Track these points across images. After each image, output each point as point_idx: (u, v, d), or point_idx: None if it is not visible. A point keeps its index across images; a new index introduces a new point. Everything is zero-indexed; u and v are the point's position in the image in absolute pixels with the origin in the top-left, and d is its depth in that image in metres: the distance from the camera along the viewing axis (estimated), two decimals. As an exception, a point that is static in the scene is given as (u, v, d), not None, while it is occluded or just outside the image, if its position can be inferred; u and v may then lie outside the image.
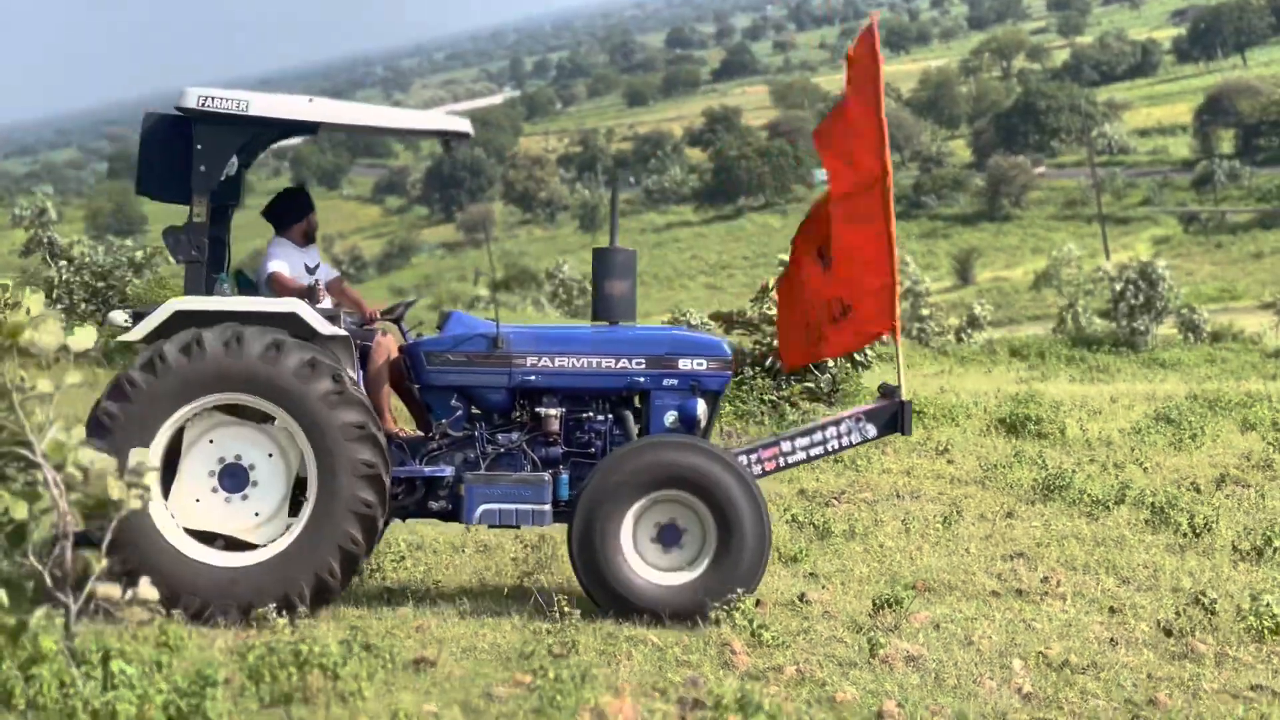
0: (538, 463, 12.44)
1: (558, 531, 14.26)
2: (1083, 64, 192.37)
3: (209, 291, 12.05)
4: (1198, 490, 18.43)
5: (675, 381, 12.56)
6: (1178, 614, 12.20)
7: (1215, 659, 11.30)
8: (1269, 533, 14.96)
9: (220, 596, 11.41)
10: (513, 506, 12.11)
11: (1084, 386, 32.53)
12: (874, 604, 12.31)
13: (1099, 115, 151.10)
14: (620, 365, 12.51)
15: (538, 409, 12.50)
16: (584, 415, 12.62)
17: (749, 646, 11.06)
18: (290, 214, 12.82)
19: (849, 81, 12.82)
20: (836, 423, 12.70)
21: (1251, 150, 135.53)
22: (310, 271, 12.74)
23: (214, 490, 11.66)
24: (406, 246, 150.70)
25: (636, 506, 11.95)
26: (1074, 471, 18.32)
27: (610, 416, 12.66)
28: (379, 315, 12.75)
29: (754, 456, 12.63)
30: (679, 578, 11.95)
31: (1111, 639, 11.75)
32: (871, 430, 12.69)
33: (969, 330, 49.02)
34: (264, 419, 11.76)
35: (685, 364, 12.58)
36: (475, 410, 12.61)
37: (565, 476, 12.41)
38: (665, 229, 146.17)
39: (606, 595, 11.83)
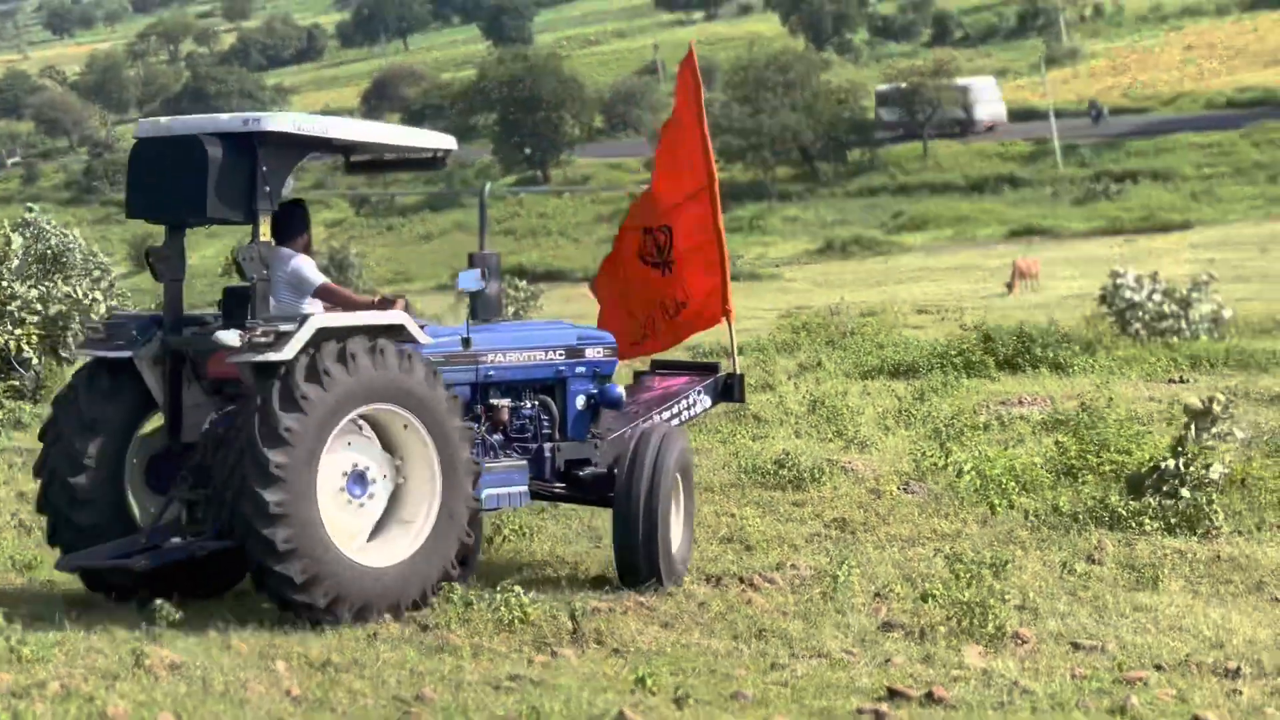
0: (495, 450, 13.44)
1: None
2: (250, 48, 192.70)
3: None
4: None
5: (584, 369, 14.04)
6: (432, 609, 12.40)
7: (472, 650, 11.55)
8: (506, 526, 15.46)
9: (376, 597, 12.02)
10: (508, 490, 13.23)
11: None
12: (139, 608, 12.01)
13: (268, 99, 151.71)
14: (549, 357, 13.87)
15: (490, 401, 13.55)
16: (520, 405, 13.75)
17: (7, 663, 10.54)
18: (294, 226, 12.94)
19: (677, 102, 14.98)
20: (685, 395, 14.50)
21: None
22: None
23: (340, 490, 12.16)
24: None
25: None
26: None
27: (536, 403, 13.82)
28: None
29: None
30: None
31: (371, 635, 11.82)
32: (707, 400, 14.67)
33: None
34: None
35: (591, 353, 14.11)
36: None
37: None
38: None
39: (666, 569, 13.45)
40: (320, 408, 11.73)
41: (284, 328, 11.92)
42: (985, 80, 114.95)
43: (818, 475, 17.72)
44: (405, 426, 12.27)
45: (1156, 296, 32.61)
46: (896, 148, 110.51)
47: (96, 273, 37.99)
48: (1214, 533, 15.73)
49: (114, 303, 43.98)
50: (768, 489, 17.57)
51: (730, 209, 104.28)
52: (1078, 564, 14.59)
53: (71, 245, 36.75)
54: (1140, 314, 32.56)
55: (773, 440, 20.59)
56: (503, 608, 12.17)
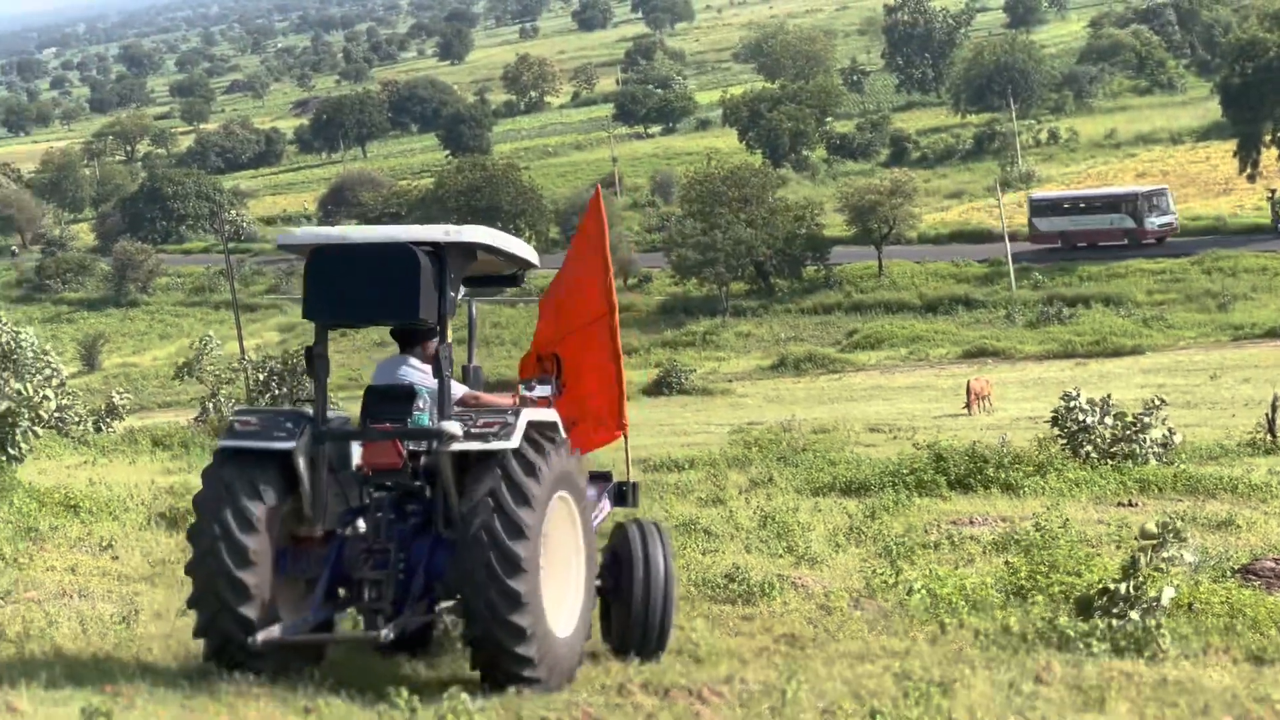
0: None
1: None
2: (208, 151, 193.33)
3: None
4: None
5: None
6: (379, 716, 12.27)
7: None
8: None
9: (570, 666, 13.05)
10: None
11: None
12: (82, 712, 11.86)
13: (225, 202, 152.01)
14: None
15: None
16: None
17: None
18: (421, 333, 13.60)
19: (580, 236, 15.96)
20: (598, 500, 14.91)
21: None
22: None
23: None
24: None
25: None
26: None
27: None
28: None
29: None
30: None
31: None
32: (609, 505, 15.22)
33: (109, 419, 48.05)
34: None
35: None
36: None
37: None
38: None
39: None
40: (546, 480, 12.78)
41: (507, 418, 12.77)
42: (1158, 187, 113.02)
43: (768, 590, 17.68)
44: (562, 508, 13.27)
45: (1109, 420, 32.72)
46: (850, 264, 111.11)
47: (47, 370, 37.93)
48: (1161, 656, 15.72)
49: (65, 400, 44.05)
50: (717, 602, 17.51)
51: (684, 323, 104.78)
52: (1025, 684, 14.54)
53: (23, 343, 36.66)
54: (1092, 437, 32.65)
55: (723, 554, 20.55)
56: (449, 715, 12.05)
